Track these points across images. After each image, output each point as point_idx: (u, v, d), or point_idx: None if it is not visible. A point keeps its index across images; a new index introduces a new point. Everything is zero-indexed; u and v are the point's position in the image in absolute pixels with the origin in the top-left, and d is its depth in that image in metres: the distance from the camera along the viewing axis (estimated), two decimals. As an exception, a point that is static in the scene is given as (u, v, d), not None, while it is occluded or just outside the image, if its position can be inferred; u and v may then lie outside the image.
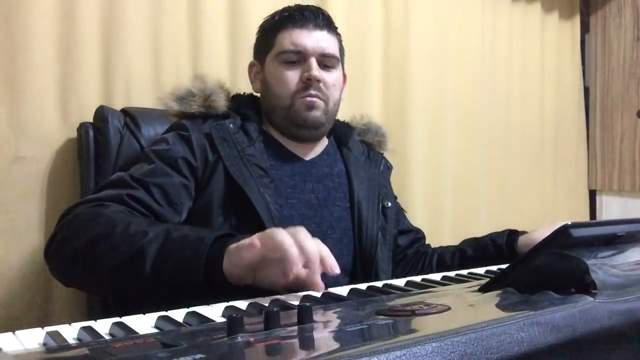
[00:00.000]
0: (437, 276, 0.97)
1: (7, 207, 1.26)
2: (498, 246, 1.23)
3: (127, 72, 1.40)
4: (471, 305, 0.63)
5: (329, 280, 0.83)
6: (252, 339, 0.47)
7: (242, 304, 0.74)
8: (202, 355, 0.42)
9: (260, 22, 1.27)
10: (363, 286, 0.85)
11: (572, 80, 2.46)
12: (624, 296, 0.63)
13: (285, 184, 1.16)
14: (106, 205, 0.98)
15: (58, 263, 0.98)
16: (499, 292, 0.67)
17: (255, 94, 1.28)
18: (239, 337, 0.48)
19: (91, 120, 1.30)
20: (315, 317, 0.54)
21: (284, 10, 1.23)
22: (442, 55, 2.02)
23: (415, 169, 1.92)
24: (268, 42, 1.21)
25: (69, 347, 0.53)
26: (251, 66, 1.28)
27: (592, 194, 2.53)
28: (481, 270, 1.02)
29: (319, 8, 1.25)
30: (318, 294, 0.80)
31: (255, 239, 0.78)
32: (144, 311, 0.68)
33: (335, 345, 0.48)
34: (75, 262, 0.94)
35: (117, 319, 0.65)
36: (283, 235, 0.77)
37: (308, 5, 1.26)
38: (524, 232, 1.24)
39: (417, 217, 1.78)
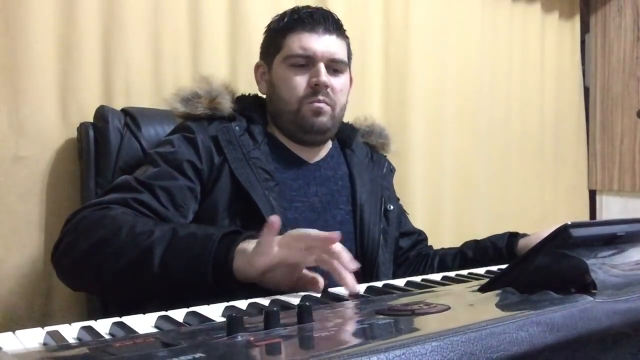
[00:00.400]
0: (437, 276, 0.97)
1: (7, 207, 1.26)
2: (498, 249, 1.24)
3: (127, 72, 1.40)
4: (471, 305, 0.63)
5: (329, 280, 0.84)
6: (252, 339, 0.47)
7: (242, 304, 0.74)
8: (202, 355, 0.42)
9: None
10: (363, 286, 0.85)
11: (572, 80, 2.46)
12: (624, 296, 0.63)
13: (289, 187, 1.16)
14: (111, 208, 0.97)
15: (65, 267, 0.98)
16: (498, 291, 0.67)
17: (260, 95, 1.27)
18: (239, 337, 0.48)
19: (91, 120, 1.30)
20: (315, 317, 0.54)
21: (293, 12, 1.20)
22: (442, 55, 2.01)
23: (415, 169, 1.92)
24: (276, 44, 1.19)
25: (69, 346, 0.53)
26: (257, 67, 1.26)
27: (592, 194, 2.53)
28: (481, 271, 1.02)
29: (329, 11, 1.22)
30: (318, 294, 0.80)
31: (275, 246, 0.81)
32: (144, 311, 0.68)
33: (335, 344, 0.48)
34: (82, 265, 0.93)
35: (117, 319, 0.65)
36: (305, 229, 0.85)
37: (318, 8, 1.23)
38: (524, 235, 1.24)
39: (417, 217, 1.78)
